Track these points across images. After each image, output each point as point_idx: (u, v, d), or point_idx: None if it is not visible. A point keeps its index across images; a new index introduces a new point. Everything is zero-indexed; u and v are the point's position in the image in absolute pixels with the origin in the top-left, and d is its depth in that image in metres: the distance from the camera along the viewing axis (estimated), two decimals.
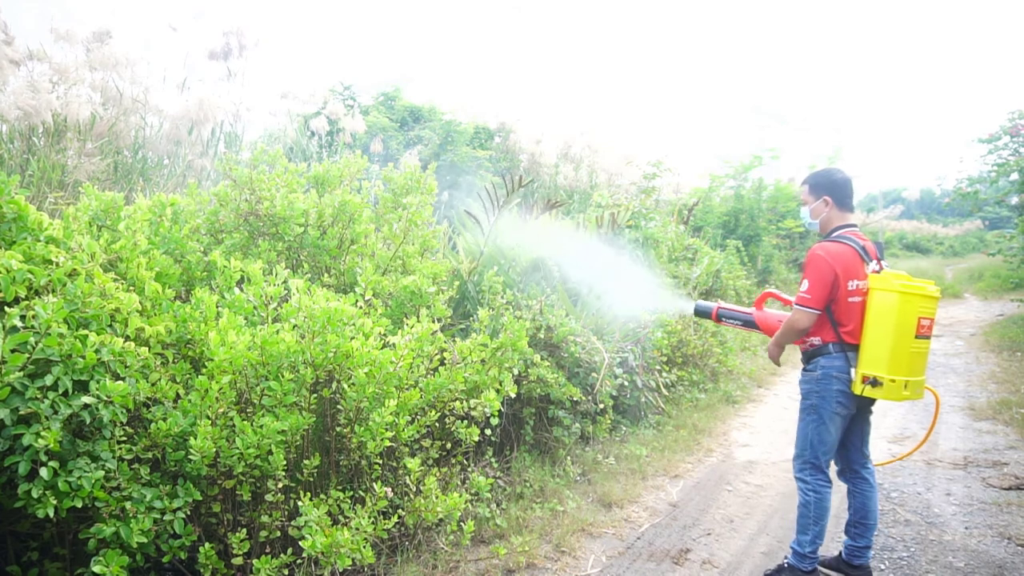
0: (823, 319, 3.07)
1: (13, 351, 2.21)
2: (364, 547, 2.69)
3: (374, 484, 3.02)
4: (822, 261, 3.00)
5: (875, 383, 2.93)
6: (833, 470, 3.25)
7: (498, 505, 3.82)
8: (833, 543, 3.57)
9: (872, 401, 3.13)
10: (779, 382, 7.62)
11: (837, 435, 3.11)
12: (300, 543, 2.62)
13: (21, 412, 2.20)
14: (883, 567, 3.35)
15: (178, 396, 2.74)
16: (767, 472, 4.72)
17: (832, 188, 3.17)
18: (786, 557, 3.22)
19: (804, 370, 3.20)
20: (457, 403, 3.48)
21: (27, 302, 2.37)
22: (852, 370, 3.02)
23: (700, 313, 3.77)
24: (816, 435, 3.10)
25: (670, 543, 3.59)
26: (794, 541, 3.18)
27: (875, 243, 3.20)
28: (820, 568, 3.23)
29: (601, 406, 4.85)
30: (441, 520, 3.24)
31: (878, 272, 3.01)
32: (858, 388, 2.98)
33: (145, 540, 2.41)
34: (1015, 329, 9.79)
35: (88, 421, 2.34)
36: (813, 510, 3.11)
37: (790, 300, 3.47)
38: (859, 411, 3.17)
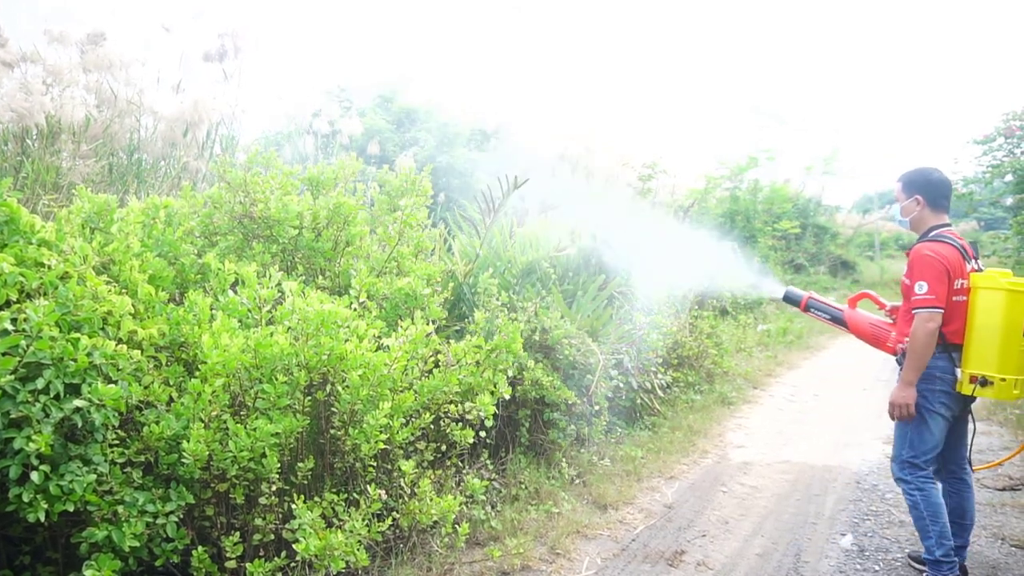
0: None
1: (4, 354, 2.21)
2: (358, 550, 2.69)
3: (368, 486, 3.02)
4: (934, 260, 2.97)
5: (984, 382, 2.89)
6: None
7: (493, 507, 3.82)
8: (910, 542, 3.55)
9: (972, 402, 3.09)
10: (775, 383, 7.63)
11: (940, 436, 3.05)
12: (294, 546, 2.62)
13: (12, 416, 2.19)
14: (877, 568, 3.35)
15: (171, 399, 2.73)
16: (762, 473, 4.73)
17: (926, 187, 3.16)
18: (924, 573, 3.12)
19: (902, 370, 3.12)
20: (452, 405, 3.47)
21: (18, 305, 2.36)
22: (957, 370, 2.98)
23: (789, 299, 3.80)
24: (916, 435, 3.06)
25: (665, 545, 3.59)
26: (924, 552, 3.08)
27: (971, 243, 3.20)
28: (913, 564, 3.21)
29: (596, 408, 4.85)
30: (435, 522, 3.23)
31: (980, 271, 3.02)
32: (967, 388, 2.94)
33: (137, 544, 2.40)
34: None
35: (80, 424, 2.33)
36: (924, 509, 3.03)
37: (885, 304, 3.53)
38: (962, 414, 3.13)
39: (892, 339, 3.30)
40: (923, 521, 3.04)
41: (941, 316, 2.94)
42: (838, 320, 3.59)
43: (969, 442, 3.23)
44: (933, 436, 3.04)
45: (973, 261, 3.07)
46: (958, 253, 3.02)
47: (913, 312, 2.99)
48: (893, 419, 3.12)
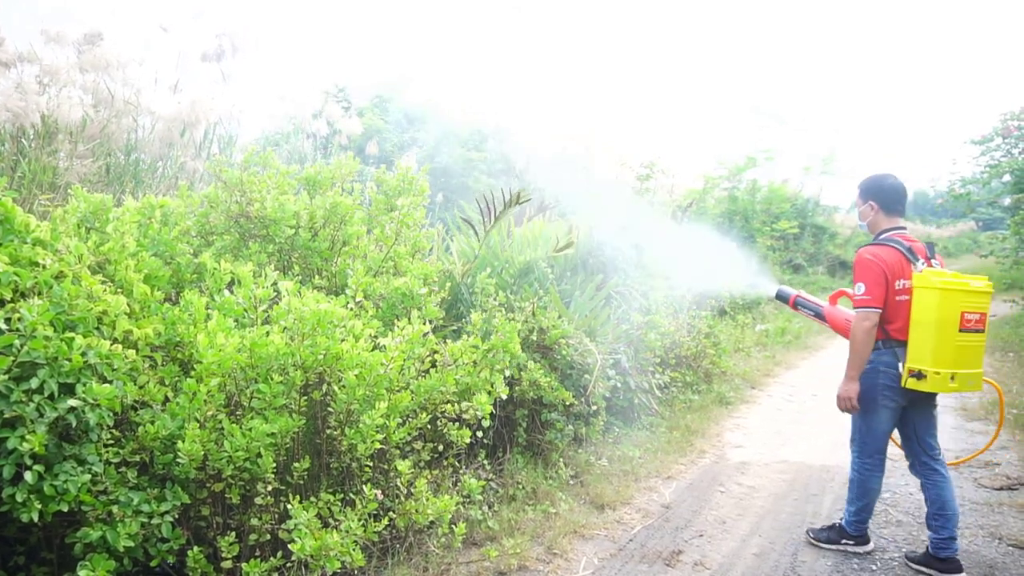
0: None
1: None
2: (354, 550, 2.68)
3: (364, 486, 3.01)
4: (872, 263, 3.19)
5: (919, 376, 3.11)
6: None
7: (490, 507, 3.81)
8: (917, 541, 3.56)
9: (932, 395, 3.27)
10: (773, 383, 7.63)
11: (887, 426, 3.33)
12: (290, 546, 2.61)
13: (6, 415, 2.18)
14: (874, 568, 3.35)
15: (166, 399, 2.73)
16: (760, 473, 4.73)
17: (879, 193, 3.37)
18: (842, 519, 3.54)
19: None
20: (449, 405, 3.47)
21: (12, 304, 2.36)
22: (900, 365, 3.20)
23: (780, 297, 4.05)
24: (864, 424, 3.36)
25: (662, 545, 3.59)
26: (846, 509, 3.52)
27: (927, 244, 3.33)
28: (910, 564, 3.37)
29: (594, 408, 4.84)
30: (432, 522, 3.22)
31: (921, 271, 3.17)
32: (904, 380, 3.16)
33: (132, 544, 2.39)
34: (1007, 330, 9.84)
35: (74, 424, 2.32)
36: (855, 488, 3.43)
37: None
38: (916, 405, 3.31)
39: None
40: (852, 494, 3.45)
41: (878, 316, 3.18)
42: (819, 316, 3.81)
43: (936, 432, 3.39)
44: (880, 426, 3.32)
45: (923, 262, 3.21)
46: (900, 255, 3.20)
47: (856, 310, 3.23)
48: (840, 411, 3.37)
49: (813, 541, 3.58)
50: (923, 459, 3.34)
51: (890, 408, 3.27)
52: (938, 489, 3.27)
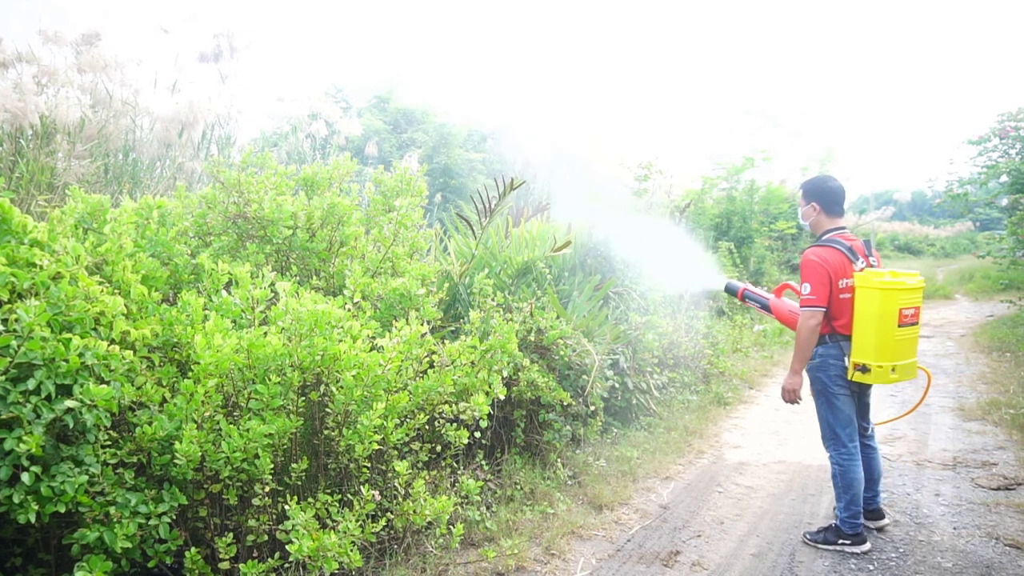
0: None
1: None
2: (352, 551, 2.68)
3: (362, 487, 3.01)
4: (816, 264, 3.38)
5: (864, 369, 3.33)
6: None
7: (488, 508, 3.81)
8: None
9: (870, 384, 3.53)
10: (770, 384, 7.64)
11: (849, 410, 3.51)
12: (287, 547, 2.61)
13: (3, 417, 2.18)
14: (872, 568, 3.36)
15: (164, 400, 2.72)
16: (758, 473, 4.73)
17: (821, 195, 3.55)
18: (836, 519, 3.61)
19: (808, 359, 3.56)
20: (446, 406, 3.47)
21: (9, 305, 2.35)
22: (845, 358, 3.43)
23: (729, 290, 4.25)
24: (830, 413, 3.53)
25: (660, 545, 3.59)
26: (836, 507, 3.61)
27: (864, 242, 3.56)
28: (807, 542, 3.62)
29: (592, 408, 4.84)
30: (430, 523, 3.23)
31: (862, 271, 3.37)
32: (850, 374, 3.40)
33: (130, 545, 2.39)
34: (1004, 330, 9.84)
35: (71, 425, 2.32)
36: (840, 481, 3.53)
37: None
38: (861, 390, 3.60)
39: None
40: (838, 489, 3.55)
41: (822, 314, 3.39)
42: (765, 307, 4.00)
43: (870, 413, 3.73)
44: (843, 412, 3.51)
45: (862, 260, 3.42)
46: (842, 256, 3.40)
47: (802, 309, 3.42)
48: (785, 402, 3.62)
49: (810, 543, 3.60)
50: (861, 437, 3.65)
51: (846, 394, 3.49)
52: (868, 458, 3.68)
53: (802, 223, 3.66)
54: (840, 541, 3.52)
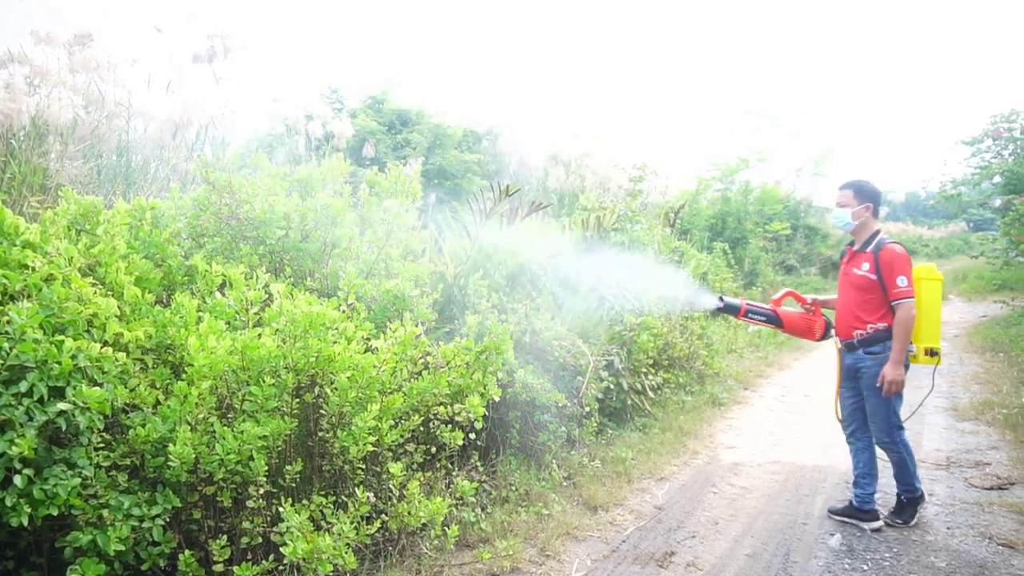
0: (886, 306, 3.62)
1: None
2: (346, 553, 2.67)
3: (357, 489, 3.01)
4: (908, 259, 3.61)
5: (934, 353, 3.62)
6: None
7: (483, 509, 3.81)
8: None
9: None
10: (765, 384, 7.66)
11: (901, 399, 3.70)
12: (282, 549, 2.60)
13: None
14: (866, 568, 3.37)
15: (157, 402, 2.72)
16: (752, 474, 4.74)
17: (875, 197, 3.77)
18: (903, 497, 3.82)
19: (869, 352, 3.67)
20: (441, 407, 3.47)
21: (2, 307, 2.34)
22: (912, 346, 3.62)
23: (728, 310, 4.12)
24: (896, 402, 3.67)
25: (655, 546, 3.59)
26: (901, 490, 3.80)
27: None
28: (833, 516, 3.92)
29: (587, 409, 4.85)
30: (425, 525, 3.22)
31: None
32: (921, 360, 3.63)
33: (123, 548, 2.38)
34: (998, 330, 9.90)
35: (64, 428, 2.31)
36: (908, 458, 3.71)
37: (807, 299, 4.05)
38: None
39: (817, 327, 3.99)
40: (907, 468, 3.71)
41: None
42: (772, 320, 4.04)
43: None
44: (901, 400, 3.70)
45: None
46: None
47: (896, 303, 3.54)
48: (889, 395, 3.60)
49: (891, 523, 3.79)
50: (867, 431, 3.84)
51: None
52: (871, 453, 3.83)
53: (850, 222, 3.73)
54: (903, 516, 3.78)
